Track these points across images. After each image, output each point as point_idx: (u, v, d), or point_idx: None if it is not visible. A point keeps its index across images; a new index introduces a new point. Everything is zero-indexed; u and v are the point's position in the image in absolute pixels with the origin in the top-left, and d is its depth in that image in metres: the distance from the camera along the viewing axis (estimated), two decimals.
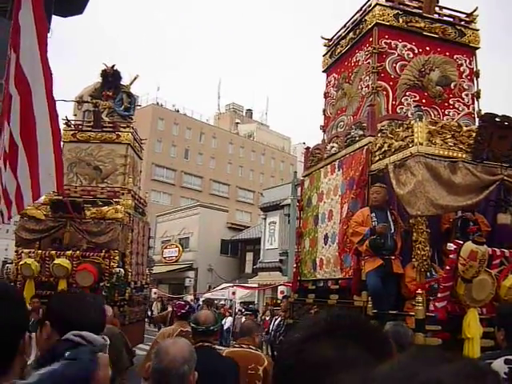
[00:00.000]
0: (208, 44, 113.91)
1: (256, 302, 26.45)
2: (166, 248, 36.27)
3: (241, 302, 25.49)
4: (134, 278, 12.22)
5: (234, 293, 24.54)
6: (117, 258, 10.71)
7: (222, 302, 26.44)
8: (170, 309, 12.70)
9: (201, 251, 34.16)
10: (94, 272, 9.77)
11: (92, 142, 12.58)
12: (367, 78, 7.50)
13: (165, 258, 35.59)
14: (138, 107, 16.50)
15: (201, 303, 21.98)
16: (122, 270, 10.73)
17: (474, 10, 8.06)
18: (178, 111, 51.65)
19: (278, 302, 15.04)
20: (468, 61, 7.87)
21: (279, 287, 21.22)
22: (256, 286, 27.17)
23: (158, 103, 49.86)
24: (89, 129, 12.77)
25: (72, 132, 12.66)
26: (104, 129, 12.69)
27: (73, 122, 13.42)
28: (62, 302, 2.13)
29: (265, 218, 28.79)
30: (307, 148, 8.54)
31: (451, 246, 4.99)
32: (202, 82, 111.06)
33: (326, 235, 7.28)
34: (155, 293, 26.16)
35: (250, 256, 33.62)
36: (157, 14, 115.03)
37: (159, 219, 38.18)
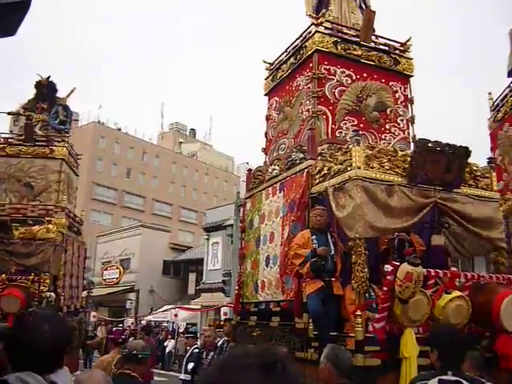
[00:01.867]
0: (152, 63, 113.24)
1: (199, 324, 26.08)
2: (106, 269, 35.25)
3: (187, 324, 25.11)
4: (66, 302, 11.41)
5: (176, 315, 24.16)
6: (48, 281, 10.11)
7: (165, 325, 25.96)
8: (104, 334, 12.19)
9: (142, 272, 33.43)
10: (20, 297, 9.03)
11: (23, 157, 11.83)
12: (307, 102, 7.66)
13: (105, 279, 34.55)
14: (77, 125, 16.00)
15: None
16: (52, 294, 10.11)
17: (408, 40, 8.43)
18: (120, 130, 50.84)
19: (222, 323, 14.87)
20: (403, 88, 8.21)
21: (222, 308, 21.04)
22: (199, 307, 26.84)
23: (99, 121, 48.91)
24: (19, 142, 11.96)
25: (1, 146, 11.88)
26: (36, 143, 11.94)
27: (2, 136, 12.61)
28: (17, 323, 2.07)
29: (208, 239, 28.59)
30: (249, 170, 8.60)
31: (388, 268, 5.11)
32: (145, 100, 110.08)
33: (267, 257, 7.30)
34: (94, 316, 25.33)
35: (192, 277, 33.23)
36: (100, 32, 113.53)
37: (99, 240, 37.18)
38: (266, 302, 7.27)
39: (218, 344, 8.46)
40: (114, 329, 9.11)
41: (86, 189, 40.41)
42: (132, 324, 24.99)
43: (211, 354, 8.01)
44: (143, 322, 25.19)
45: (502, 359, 5.34)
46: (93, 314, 24.62)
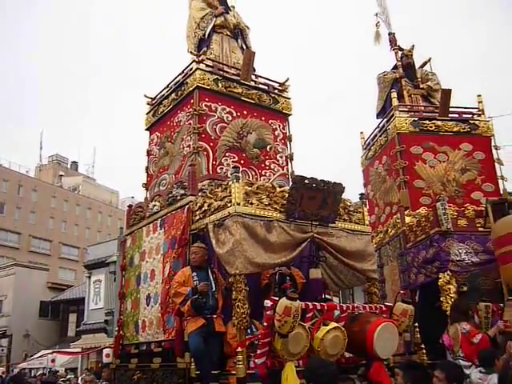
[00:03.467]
0: (29, 92, 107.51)
1: (79, 368, 24.54)
2: None
3: (66, 369, 23.50)
4: None
5: (53, 360, 22.53)
6: None
7: (40, 372, 24.09)
8: None
9: (16, 316, 30.89)
10: None
11: None
12: (188, 138, 7.69)
13: None
14: None
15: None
16: None
17: (286, 81, 8.83)
18: None
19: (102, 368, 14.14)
20: (282, 126, 8.54)
21: (104, 350, 20.01)
22: (79, 350, 25.29)
23: None
24: None
25: None
26: None
27: None
28: None
29: (89, 276, 27.25)
30: (129, 206, 8.36)
31: (268, 303, 5.15)
32: (22, 131, 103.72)
33: (148, 295, 7.07)
34: None
35: (73, 318, 31.31)
36: None
37: None
38: (147, 342, 6.99)
39: None
40: None
41: None
42: (3, 373, 22.88)
43: None
44: (16, 371, 23.18)
45: None
46: None
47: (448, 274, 7.56)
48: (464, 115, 10.36)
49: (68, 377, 18.96)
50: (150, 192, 8.41)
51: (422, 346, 7.18)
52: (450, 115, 10.16)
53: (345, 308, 5.92)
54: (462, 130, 10.02)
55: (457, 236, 7.87)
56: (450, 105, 10.06)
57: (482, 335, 5.93)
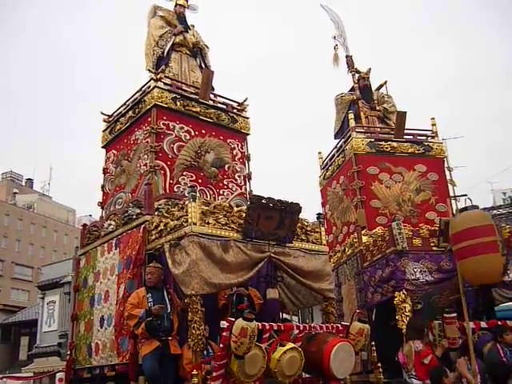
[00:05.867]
0: None
1: None
2: None
3: None
4: None
5: None
6: None
7: None
8: None
9: None
10: None
11: None
12: (145, 156, 7.60)
13: None
14: None
15: None
16: None
17: (244, 100, 8.88)
18: None
19: None
20: (240, 145, 8.55)
21: (58, 374, 19.27)
22: (31, 374, 24.33)
23: None
24: None
25: None
26: None
27: None
28: None
29: (43, 298, 26.35)
30: (84, 225, 8.17)
31: (224, 324, 5.09)
32: None
33: (102, 317, 6.88)
34: None
35: (25, 341, 30.15)
36: None
37: None
38: (100, 366, 6.77)
39: None
40: None
41: None
42: None
43: None
44: None
45: None
46: None
47: (403, 293, 7.66)
48: (418, 137, 10.63)
49: None
50: (105, 211, 8.25)
51: (379, 364, 7.24)
52: (405, 137, 10.39)
53: (302, 328, 5.91)
54: (416, 152, 10.27)
55: (412, 255, 7.99)
56: (405, 127, 10.30)
57: (431, 356, 6.02)
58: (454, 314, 6.33)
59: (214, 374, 5.14)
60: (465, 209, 5.07)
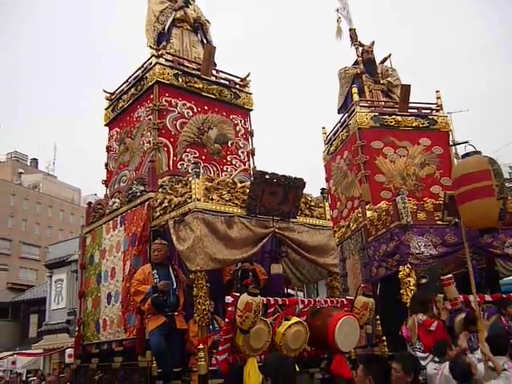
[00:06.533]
0: None
1: (42, 369, 24.03)
2: None
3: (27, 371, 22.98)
4: None
5: (14, 362, 21.97)
6: None
7: (1, 374, 23.51)
8: None
9: None
10: None
11: None
12: (148, 133, 7.57)
13: None
14: None
15: None
16: None
17: (247, 76, 8.78)
18: None
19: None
20: (243, 121, 8.50)
21: (67, 350, 19.61)
22: (41, 351, 24.75)
23: None
24: None
25: None
26: None
27: None
28: None
29: (50, 276, 26.63)
30: (89, 203, 8.20)
31: (229, 299, 5.12)
32: None
33: (109, 294, 6.96)
34: None
35: (34, 318, 30.56)
36: None
37: None
38: (107, 342, 6.88)
39: None
40: None
41: None
42: None
43: None
44: None
45: (338, 379, 5.63)
46: None
47: (408, 267, 7.68)
48: (423, 110, 10.54)
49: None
50: (109, 189, 8.26)
51: (384, 338, 7.29)
52: (409, 110, 10.30)
53: (306, 302, 5.95)
54: (421, 125, 10.18)
55: (416, 229, 8.00)
56: (410, 100, 10.20)
57: (437, 322, 6.07)
58: (450, 275, 6.38)
59: (220, 348, 5.19)
60: (467, 154, 5.07)
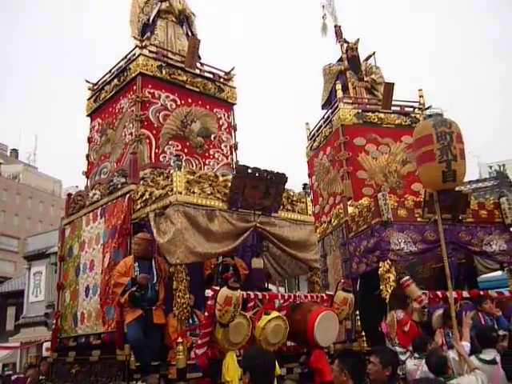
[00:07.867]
0: None
1: (18, 363, 23.75)
2: None
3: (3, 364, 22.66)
4: None
5: None
6: None
7: None
8: None
9: None
10: None
11: None
12: (131, 125, 7.50)
13: None
14: None
15: None
16: None
17: (231, 70, 8.75)
18: None
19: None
20: (226, 115, 8.47)
21: (44, 344, 19.39)
22: (18, 344, 24.45)
23: None
24: None
25: None
26: None
27: None
28: None
29: (29, 268, 26.32)
30: (69, 195, 8.10)
31: (209, 293, 5.11)
32: None
33: (87, 287, 6.89)
34: None
35: (11, 311, 30.15)
36: None
37: None
38: (85, 335, 6.81)
39: None
40: None
41: None
42: None
43: None
44: None
45: (317, 373, 5.65)
46: None
47: (388, 263, 7.70)
48: (406, 108, 10.60)
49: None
50: (90, 180, 8.17)
51: (363, 333, 7.34)
52: (392, 108, 10.36)
53: (286, 297, 5.96)
54: (403, 123, 10.24)
55: (396, 226, 8.02)
56: (393, 98, 10.26)
57: (410, 323, 6.14)
58: (407, 277, 6.47)
59: (199, 342, 5.19)
60: (429, 116, 5.17)
